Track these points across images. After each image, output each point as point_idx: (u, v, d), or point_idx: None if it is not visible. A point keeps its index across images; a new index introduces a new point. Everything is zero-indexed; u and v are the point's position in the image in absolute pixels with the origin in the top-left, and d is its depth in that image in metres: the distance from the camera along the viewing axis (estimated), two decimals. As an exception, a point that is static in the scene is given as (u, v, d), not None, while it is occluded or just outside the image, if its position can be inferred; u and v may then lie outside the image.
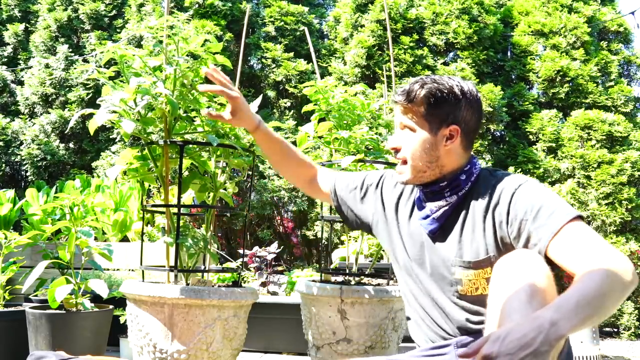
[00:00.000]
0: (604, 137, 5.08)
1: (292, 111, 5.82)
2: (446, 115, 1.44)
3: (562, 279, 4.90)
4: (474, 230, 1.43)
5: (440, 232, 1.48)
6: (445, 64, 5.56)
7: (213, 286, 2.00)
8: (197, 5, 5.83)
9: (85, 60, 6.58)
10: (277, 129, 5.26)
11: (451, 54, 5.68)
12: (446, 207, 1.47)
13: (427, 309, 1.52)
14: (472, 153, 1.53)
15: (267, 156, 1.86)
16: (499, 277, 1.24)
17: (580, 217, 1.29)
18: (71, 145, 6.58)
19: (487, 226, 1.41)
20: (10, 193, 4.86)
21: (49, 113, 6.50)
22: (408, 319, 1.64)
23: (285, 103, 5.84)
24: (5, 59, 7.42)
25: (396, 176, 1.54)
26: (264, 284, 3.76)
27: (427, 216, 1.49)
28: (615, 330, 4.76)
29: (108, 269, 3.81)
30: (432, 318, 1.51)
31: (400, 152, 1.50)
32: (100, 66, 2.32)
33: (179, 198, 2.06)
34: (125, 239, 4.63)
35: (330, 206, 2.73)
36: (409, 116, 1.47)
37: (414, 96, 1.45)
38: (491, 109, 5.15)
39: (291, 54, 5.85)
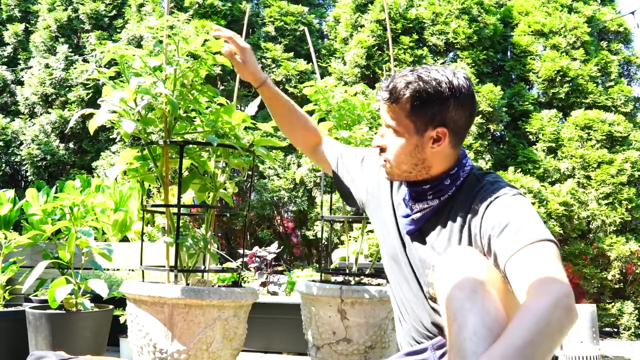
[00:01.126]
0: (604, 137, 5.08)
1: (292, 111, 5.81)
2: (432, 116, 1.34)
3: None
4: (450, 238, 1.37)
5: (418, 234, 1.43)
6: (445, 64, 5.56)
7: (213, 286, 2.00)
8: (197, 5, 5.83)
9: (85, 60, 6.58)
10: (277, 129, 5.25)
11: (451, 54, 5.68)
12: (427, 210, 1.41)
13: (409, 298, 1.48)
14: (462, 150, 1.45)
15: (272, 115, 1.86)
16: (442, 278, 1.19)
17: (546, 240, 1.18)
18: (71, 145, 6.59)
19: (463, 237, 1.34)
20: (10, 193, 4.86)
21: (49, 113, 6.50)
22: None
23: (285, 103, 5.84)
24: (6, 59, 7.43)
25: (381, 172, 1.48)
26: (264, 284, 3.76)
27: (408, 215, 1.44)
28: (615, 330, 4.76)
29: (108, 269, 3.81)
30: (412, 308, 1.47)
31: (385, 153, 1.42)
32: (101, 66, 2.32)
33: (179, 198, 2.06)
34: (125, 239, 4.64)
35: (330, 206, 2.73)
36: (392, 116, 1.37)
37: (397, 96, 1.35)
38: (491, 109, 5.15)
39: (291, 54, 5.85)
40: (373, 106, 2.60)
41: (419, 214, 1.42)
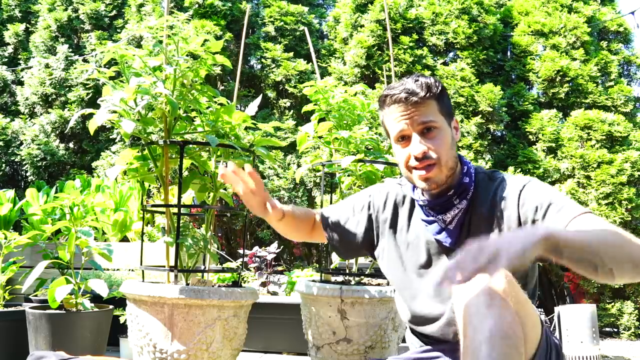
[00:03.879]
0: (604, 137, 5.08)
1: (292, 111, 5.82)
2: (449, 107, 1.43)
3: (562, 279, 4.91)
4: (480, 238, 1.39)
5: (458, 242, 1.42)
6: (445, 64, 5.56)
7: (213, 286, 2.00)
8: (197, 5, 5.83)
9: (85, 60, 6.58)
10: (277, 129, 5.26)
11: (451, 54, 5.68)
12: (459, 215, 1.41)
13: (428, 309, 1.48)
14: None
15: (285, 233, 1.70)
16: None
17: (589, 212, 1.24)
18: (71, 145, 6.59)
19: (493, 232, 1.36)
20: (10, 193, 4.86)
21: (49, 113, 6.50)
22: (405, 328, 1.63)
23: (285, 103, 5.84)
24: (6, 59, 7.43)
25: (424, 182, 1.39)
26: (264, 284, 3.76)
27: (442, 229, 1.43)
28: (615, 330, 4.76)
29: (108, 269, 3.81)
30: (426, 331, 1.48)
31: (429, 154, 1.37)
32: (101, 66, 2.32)
33: (179, 198, 2.06)
34: (125, 239, 4.63)
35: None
36: (428, 112, 1.37)
37: (434, 91, 1.37)
38: (491, 109, 5.15)
39: (291, 54, 5.85)
40: (373, 106, 2.59)
41: (454, 222, 1.41)
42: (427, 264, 1.47)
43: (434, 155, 1.37)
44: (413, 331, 1.58)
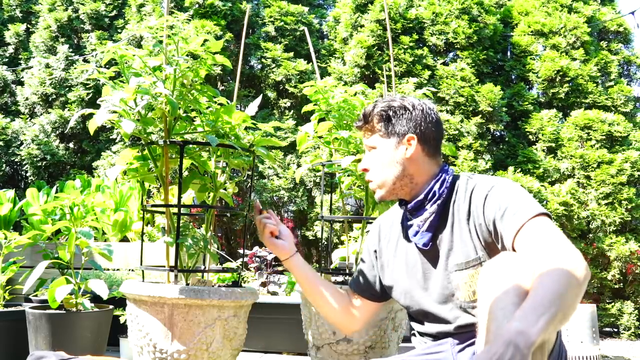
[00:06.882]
0: (604, 137, 5.08)
1: (292, 111, 5.82)
2: (400, 127, 1.54)
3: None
4: (461, 234, 1.48)
5: (433, 244, 1.52)
6: (445, 64, 5.56)
7: (213, 286, 2.00)
8: (197, 5, 5.83)
9: (86, 60, 6.58)
10: (277, 129, 5.26)
11: (451, 54, 5.69)
12: (431, 217, 1.51)
13: (432, 309, 1.53)
14: (444, 164, 1.60)
15: (300, 285, 1.84)
16: (486, 280, 1.26)
17: (543, 214, 1.33)
18: (71, 145, 6.59)
19: (471, 229, 1.46)
20: (10, 193, 4.86)
21: (49, 113, 6.50)
22: (413, 334, 1.66)
23: (285, 103, 5.84)
24: (6, 59, 7.43)
25: (375, 196, 1.61)
26: (264, 284, 3.76)
27: (417, 232, 1.53)
28: (615, 330, 4.76)
29: (108, 269, 3.81)
30: (435, 315, 1.53)
31: (369, 173, 1.59)
32: (101, 66, 2.32)
33: (179, 198, 2.06)
34: (125, 239, 4.64)
35: (330, 206, 2.73)
36: (369, 136, 1.59)
37: (369, 117, 1.57)
38: (491, 109, 5.15)
39: (291, 54, 5.85)
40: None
41: (426, 224, 1.52)
42: (411, 264, 1.59)
43: (368, 175, 1.60)
44: (418, 332, 1.63)
